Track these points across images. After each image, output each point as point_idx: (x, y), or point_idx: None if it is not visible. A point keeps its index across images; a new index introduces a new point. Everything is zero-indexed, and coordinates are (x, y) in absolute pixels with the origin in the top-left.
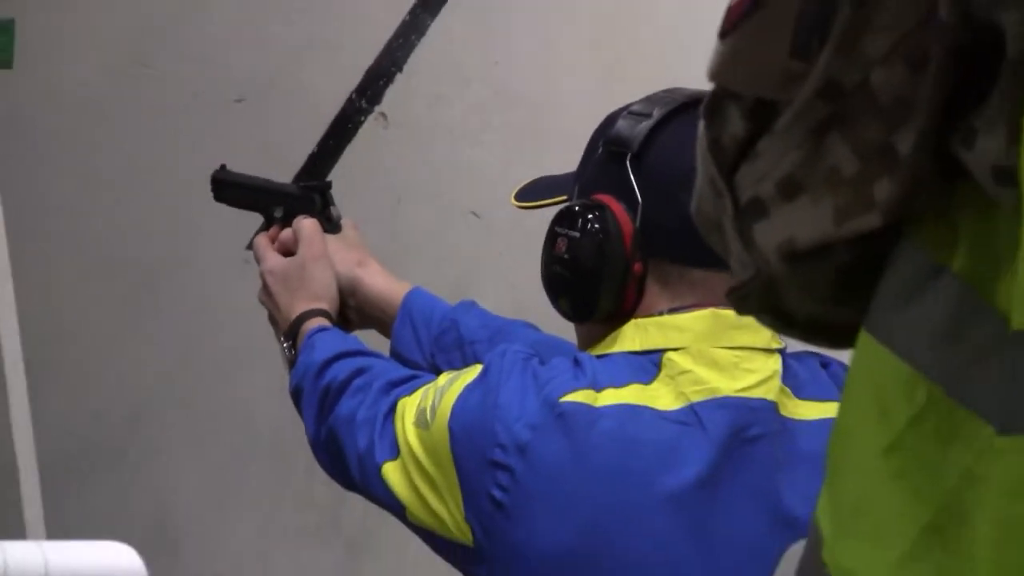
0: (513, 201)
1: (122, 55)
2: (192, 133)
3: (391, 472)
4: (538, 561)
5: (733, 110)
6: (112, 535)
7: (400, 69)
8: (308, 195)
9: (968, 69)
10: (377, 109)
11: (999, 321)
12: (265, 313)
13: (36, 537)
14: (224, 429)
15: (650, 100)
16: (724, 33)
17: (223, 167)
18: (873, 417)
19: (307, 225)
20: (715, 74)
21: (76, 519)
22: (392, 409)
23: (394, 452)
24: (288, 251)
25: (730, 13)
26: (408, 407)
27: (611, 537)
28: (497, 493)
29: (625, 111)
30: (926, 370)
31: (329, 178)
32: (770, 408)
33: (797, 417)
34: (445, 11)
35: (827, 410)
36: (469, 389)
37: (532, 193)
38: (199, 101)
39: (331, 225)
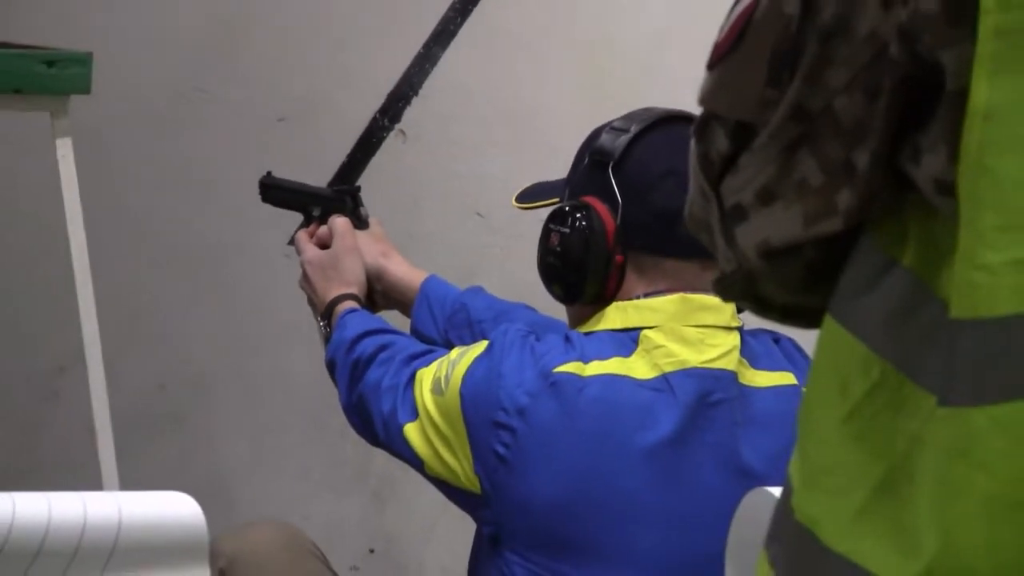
0: (514, 203)
1: (182, 81)
2: (241, 147)
3: (411, 432)
4: (535, 507)
5: (718, 130)
6: (174, 488)
7: (416, 93)
8: (341, 197)
9: (915, 97)
10: (397, 127)
11: (941, 308)
12: (303, 299)
13: (111, 489)
14: (269, 398)
15: (629, 117)
16: (711, 65)
17: (269, 174)
18: (835, 390)
19: (340, 223)
20: (703, 100)
21: (144, 475)
22: (412, 378)
23: (414, 415)
24: (324, 245)
25: (717, 49)
26: (426, 376)
27: (597, 485)
28: (500, 449)
29: (608, 126)
30: (880, 349)
31: (357, 184)
32: (731, 377)
33: (753, 385)
34: (454, 44)
35: (778, 379)
36: (477, 362)
37: (530, 196)
38: (247, 120)
39: (360, 223)
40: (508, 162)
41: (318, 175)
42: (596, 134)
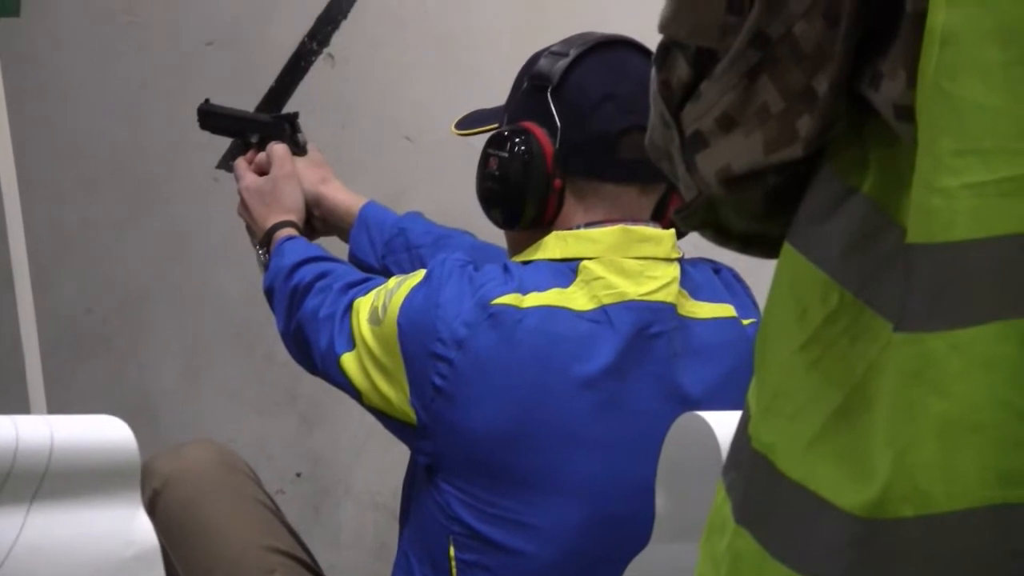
0: (452, 130)
1: (111, 4)
2: (170, 70)
3: (348, 362)
4: (472, 438)
5: (679, 57)
6: (102, 410)
7: (345, 16)
8: (279, 123)
9: (875, 23)
10: (325, 51)
11: (900, 234)
12: (233, 222)
13: (39, 412)
14: (198, 320)
15: (567, 42)
16: None
17: (207, 101)
18: (793, 317)
19: (278, 149)
20: (663, 27)
21: (72, 397)
22: (349, 308)
23: (350, 345)
24: (263, 171)
25: None
26: (362, 306)
27: (535, 415)
28: (438, 380)
29: (546, 51)
30: (839, 277)
31: (285, 109)
32: (670, 309)
33: (693, 316)
34: None
35: (718, 311)
36: (414, 291)
37: (468, 123)
38: (176, 43)
39: (299, 148)
40: (437, 86)
41: (247, 99)
42: (535, 59)
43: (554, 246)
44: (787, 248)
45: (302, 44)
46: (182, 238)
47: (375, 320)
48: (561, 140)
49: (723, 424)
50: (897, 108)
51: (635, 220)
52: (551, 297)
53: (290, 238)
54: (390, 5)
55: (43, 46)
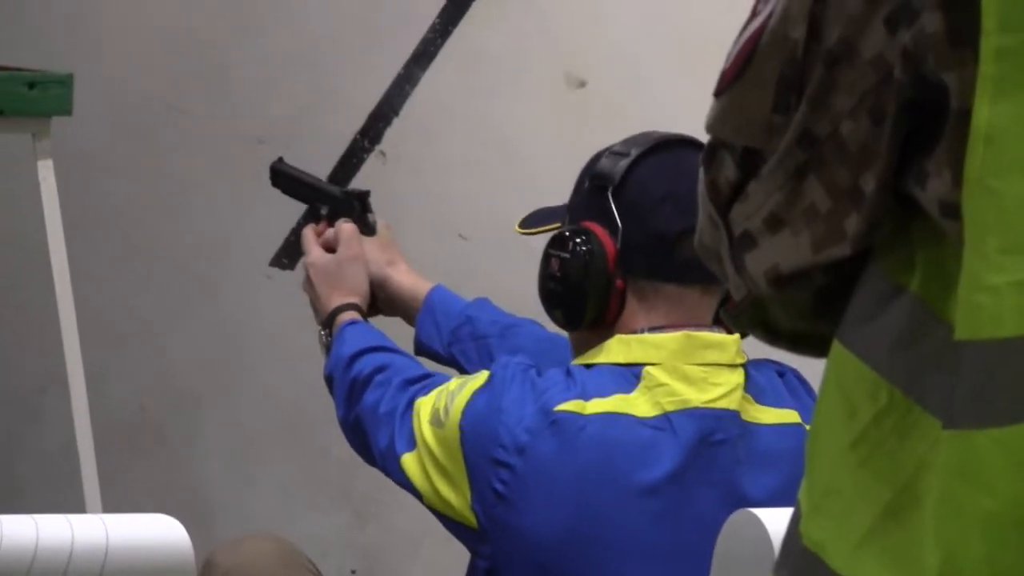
0: (517, 229)
1: (162, 101)
2: (221, 167)
3: (409, 463)
4: (533, 544)
5: (726, 157)
6: (155, 508)
7: (397, 113)
8: (350, 200)
9: (921, 121)
10: (377, 148)
11: (947, 331)
12: (285, 318)
13: (94, 511)
14: (251, 416)
15: (627, 142)
16: (718, 92)
17: (281, 159)
18: (842, 415)
19: (347, 229)
20: (711, 127)
21: (126, 495)
22: (410, 406)
23: (411, 446)
24: (330, 247)
25: (724, 76)
26: (424, 407)
27: (595, 523)
28: (499, 487)
29: (607, 151)
30: (887, 374)
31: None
32: (733, 416)
33: (757, 422)
34: (434, 65)
35: (782, 416)
36: (476, 395)
37: (532, 222)
38: (227, 140)
39: (367, 228)
40: (489, 182)
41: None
42: (596, 159)
43: (617, 350)
44: (836, 346)
45: (354, 141)
46: (233, 335)
47: (437, 422)
48: (622, 240)
49: (775, 521)
50: (943, 206)
51: (698, 325)
52: (614, 403)
53: (352, 323)
54: (442, 102)
55: (94, 142)
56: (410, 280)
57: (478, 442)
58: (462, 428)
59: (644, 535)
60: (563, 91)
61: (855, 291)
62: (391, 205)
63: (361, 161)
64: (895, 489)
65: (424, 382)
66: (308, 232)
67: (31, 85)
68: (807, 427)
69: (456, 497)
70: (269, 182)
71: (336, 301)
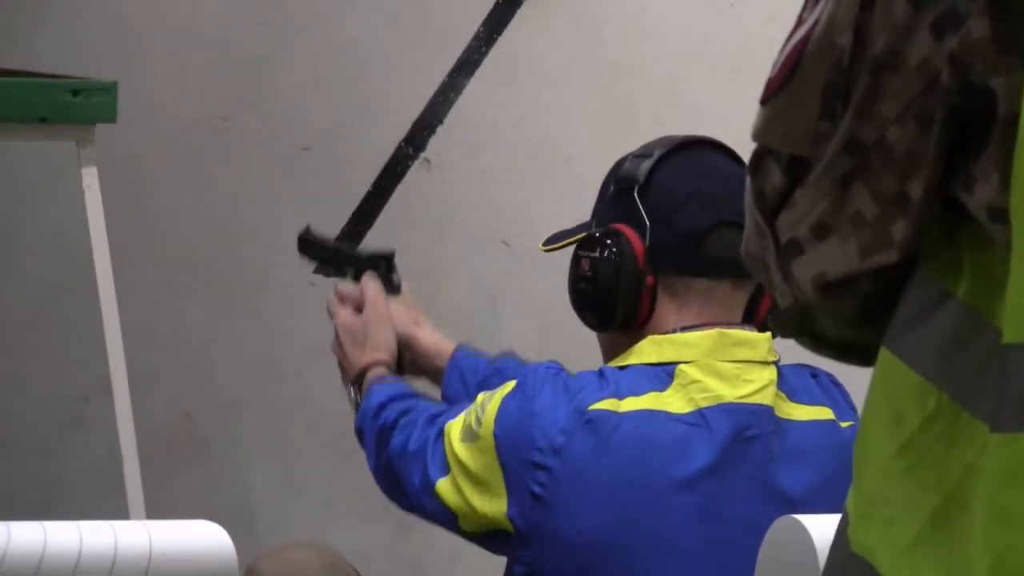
0: (541, 247)
1: (206, 110)
2: (265, 176)
3: (443, 488)
4: (572, 544)
5: (773, 165)
6: (198, 515)
7: (441, 122)
8: (376, 261)
9: (967, 126)
10: (422, 155)
11: (995, 336)
12: (329, 326)
13: (137, 517)
14: (294, 425)
15: (649, 145)
16: (764, 100)
17: (308, 228)
18: (890, 421)
19: (372, 289)
20: (757, 135)
21: (170, 502)
22: (440, 433)
23: (445, 470)
24: (357, 307)
25: (769, 84)
26: (454, 427)
27: (634, 519)
28: (537, 489)
29: (630, 156)
30: (935, 380)
31: (380, 214)
32: (767, 411)
33: (791, 418)
34: (478, 73)
35: (816, 412)
36: (507, 400)
37: (554, 239)
38: (271, 149)
39: (392, 288)
40: (533, 191)
41: (343, 204)
42: (619, 164)
43: (650, 351)
44: (884, 352)
45: (398, 149)
46: (277, 343)
47: (470, 436)
48: (651, 238)
49: (820, 527)
50: (991, 211)
51: (730, 323)
52: (648, 401)
53: (379, 379)
54: (485, 110)
55: (138, 152)
56: (435, 340)
57: (513, 446)
58: (496, 435)
59: (682, 532)
60: (607, 100)
61: (902, 297)
62: (436, 212)
63: (406, 168)
64: (943, 494)
65: (450, 410)
66: (332, 297)
67: (75, 92)
68: (841, 424)
69: (492, 506)
70: (311, 198)
71: (365, 360)
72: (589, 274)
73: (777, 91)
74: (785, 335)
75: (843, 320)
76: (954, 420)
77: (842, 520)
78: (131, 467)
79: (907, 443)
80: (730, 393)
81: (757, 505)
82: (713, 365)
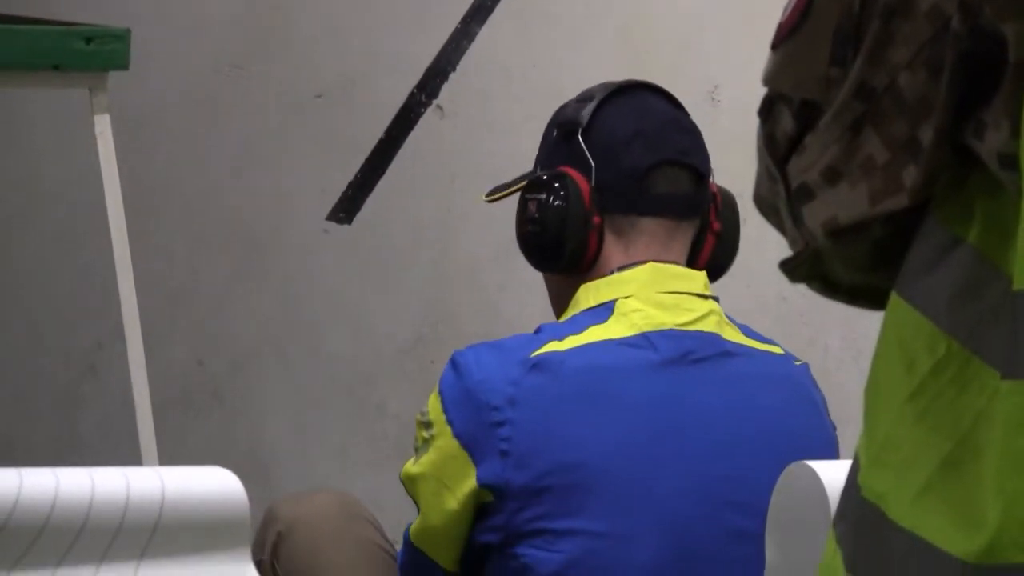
0: (484, 198)
1: (219, 58)
2: (278, 123)
3: (414, 529)
4: (547, 483)
5: (784, 110)
6: (212, 464)
7: (454, 68)
8: None
9: (978, 72)
10: (434, 102)
11: (1006, 283)
12: (343, 275)
13: (150, 465)
14: (308, 374)
15: (589, 90)
16: (775, 45)
17: None
18: (900, 367)
19: None
20: (768, 80)
21: (183, 451)
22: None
23: (417, 515)
24: None
25: (780, 29)
26: (408, 466)
27: (600, 447)
28: (504, 446)
29: (570, 102)
30: (946, 326)
31: (393, 161)
32: (712, 337)
33: (741, 343)
34: (491, 21)
35: (769, 348)
36: (444, 385)
37: (496, 190)
38: (284, 97)
39: None
40: None
41: (356, 151)
42: (561, 109)
43: (587, 297)
44: (894, 298)
45: (411, 96)
46: (291, 292)
47: (424, 447)
48: (596, 179)
49: (830, 473)
50: (1001, 157)
51: (668, 251)
52: (589, 335)
53: None
54: (498, 58)
55: (150, 101)
56: None
57: (469, 420)
58: (449, 420)
59: (640, 446)
60: (620, 47)
61: (913, 243)
62: (447, 160)
63: (418, 116)
64: (954, 440)
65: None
66: None
67: (88, 40)
68: (795, 362)
69: (462, 488)
70: (324, 145)
71: None
72: (537, 215)
73: (788, 35)
74: (797, 280)
75: (854, 265)
76: (965, 366)
77: (853, 466)
78: (144, 415)
79: (918, 389)
80: (671, 320)
81: (720, 397)
82: (652, 296)
